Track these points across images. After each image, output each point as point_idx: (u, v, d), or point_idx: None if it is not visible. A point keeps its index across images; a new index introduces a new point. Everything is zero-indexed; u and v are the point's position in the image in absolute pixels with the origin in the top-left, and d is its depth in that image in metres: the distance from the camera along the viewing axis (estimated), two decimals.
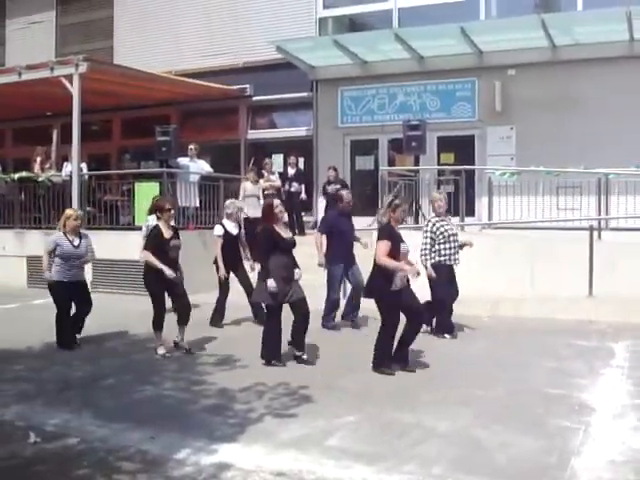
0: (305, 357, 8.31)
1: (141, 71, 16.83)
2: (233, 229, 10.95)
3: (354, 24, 18.28)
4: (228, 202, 11.58)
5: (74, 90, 15.10)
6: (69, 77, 15.12)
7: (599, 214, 12.95)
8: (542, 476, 4.97)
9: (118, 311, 12.07)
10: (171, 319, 9.19)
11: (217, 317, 10.85)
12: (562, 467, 5.08)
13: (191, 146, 15.72)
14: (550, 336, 9.78)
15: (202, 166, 15.85)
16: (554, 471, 5.03)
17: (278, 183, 16.05)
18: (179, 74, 18.59)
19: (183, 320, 9.02)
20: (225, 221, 11.01)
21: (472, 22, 15.38)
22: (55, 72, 15.31)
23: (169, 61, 19.38)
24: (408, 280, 7.76)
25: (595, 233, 12.08)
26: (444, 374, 7.79)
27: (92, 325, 9.61)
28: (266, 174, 15.92)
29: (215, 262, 10.88)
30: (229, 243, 10.81)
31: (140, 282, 13.89)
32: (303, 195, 16.46)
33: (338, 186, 15.03)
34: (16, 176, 16.56)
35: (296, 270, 8.32)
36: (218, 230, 10.91)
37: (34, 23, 22.00)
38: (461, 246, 9.80)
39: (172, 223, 9.20)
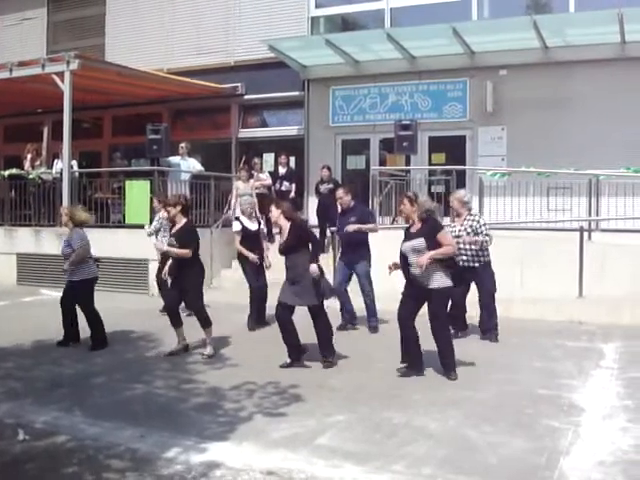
0: (325, 362, 8.23)
1: (132, 69, 16.78)
2: (251, 225, 10.95)
3: (346, 23, 18.27)
4: (243, 199, 11.63)
5: (65, 87, 15.07)
6: (60, 74, 15.09)
7: (589, 215, 13.00)
8: (531, 476, 4.99)
9: (109, 309, 12.00)
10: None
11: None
12: (551, 467, 5.10)
13: (182, 144, 15.73)
14: (540, 337, 9.81)
15: (193, 164, 15.85)
16: (543, 471, 5.05)
17: (269, 181, 16.04)
18: (171, 72, 18.54)
19: (200, 324, 8.93)
20: (242, 217, 11.04)
21: (464, 22, 15.35)
22: (46, 69, 15.27)
23: (161, 59, 19.32)
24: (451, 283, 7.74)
25: (585, 234, 12.12)
26: (434, 374, 7.80)
27: (81, 323, 9.55)
28: (256, 174, 15.91)
29: (239, 257, 10.94)
30: (248, 239, 10.80)
31: (130, 280, 14.01)
32: (292, 194, 16.41)
33: (331, 186, 15.02)
34: (6, 173, 16.54)
35: (312, 266, 8.11)
36: (236, 226, 10.92)
37: (25, 20, 21.88)
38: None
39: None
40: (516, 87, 15.50)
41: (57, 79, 15.11)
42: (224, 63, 18.70)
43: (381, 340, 9.75)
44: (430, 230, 7.61)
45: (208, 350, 8.75)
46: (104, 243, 12.46)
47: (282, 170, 16.50)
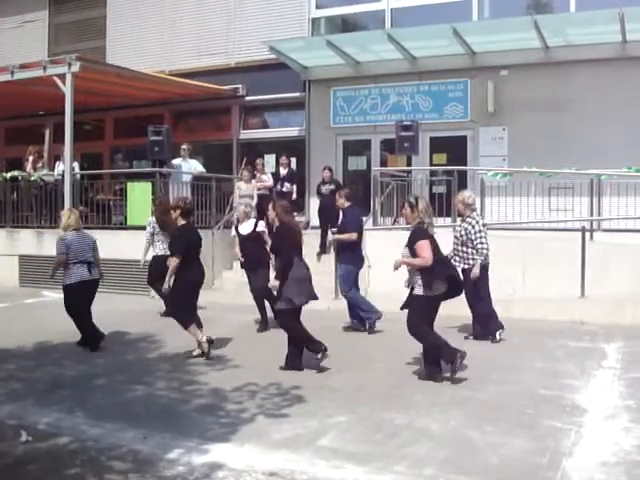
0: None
1: (134, 71, 16.80)
2: (242, 229, 11.06)
3: (347, 24, 18.27)
4: (240, 201, 11.89)
5: (67, 89, 15.09)
6: (62, 76, 15.11)
7: (591, 215, 12.99)
8: (533, 477, 4.98)
9: (109, 310, 12.03)
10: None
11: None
12: (554, 468, 5.09)
13: (183, 146, 15.72)
14: (542, 337, 9.80)
15: (194, 166, 15.85)
16: (545, 472, 5.04)
17: (270, 183, 16.05)
18: (172, 74, 18.58)
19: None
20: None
21: (465, 23, 15.37)
22: (48, 71, 15.29)
23: (162, 61, 19.35)
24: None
25: (587, 234, 12.11)
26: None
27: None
28: (258, 174, 15.93)
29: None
30: (241, 242, 10.97)
31: (131, 281, 14.00)
32: (294, 195, 16.40)
33: (332, 186, 15.02)
34: (8, 175, 16.56)
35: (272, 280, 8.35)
36: (232, 231, 11.48)
37: (27, 22, 21.92)
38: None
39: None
40: (517, 87, 15.50)
41: (58, 81, 15.12)
42: (225, 65, 18.73)
43: (382, 340, 9.76)
44: (411, 240, 7.62)
45: (196, 351, 8.78)
46: (106, 244, 12.44)
47: (283, 171, 16.51)
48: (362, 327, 10.47)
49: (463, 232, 9.61)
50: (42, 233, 15.48)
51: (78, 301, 9.34)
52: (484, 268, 9.71)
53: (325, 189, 15.35)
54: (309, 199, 17.18)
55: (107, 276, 13.58)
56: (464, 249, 9.59)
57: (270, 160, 17.90)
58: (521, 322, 10.65)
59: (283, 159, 16.63)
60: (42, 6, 21.89)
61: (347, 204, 10.77)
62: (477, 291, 9.67)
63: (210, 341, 8.69)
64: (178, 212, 9.03)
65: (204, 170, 16.01)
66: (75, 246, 9.36)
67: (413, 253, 7.50)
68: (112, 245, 13.21)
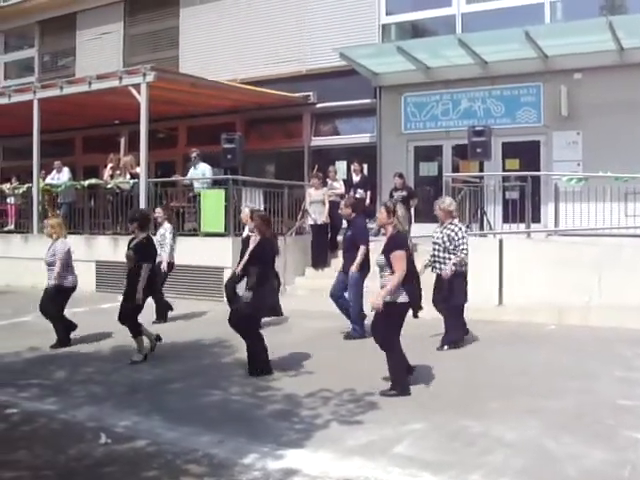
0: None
1: (206, 79, 17.07)
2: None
3: (417, 30, 18.20)
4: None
5: (142, 99, 15.44)
6: (137, 86, 15.48)
7: None
8: None
9: (185, 316, 12.26)
10: None
11: None
12: None
13: (193, 153, 15.91)
14: (619, 345, 9.58)
15: (204, 171, 15.85)
16: None
17: (342, 190, 16.09)
18: (243, 82, 18.79)
19: None
20: None
21: (537, 26, 15.14)
22: (124, 81, 15.70)
23: (233, 69, 19.60)
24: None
25: None
26: (511, 383, 7.70)
27: (159, 330, 9.72)
28: (330, 181, 15.98)
29: None
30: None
31: (205, 287, 14.18)
32: (367, 201, 16.38)
33: (404, 193, 15.00)
34: (86, 183, 17.03)
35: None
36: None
37: (103, 34, 22.52)
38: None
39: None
40: (591, 90, 15.20)
41: (134, 91, 15.49)
42: (296, 72, 18.87)
43: (456, 350, 9.63)
44: (387, 248, 7.39)
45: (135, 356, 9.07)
46: (179, 251, 12.64)
47: (356, 178, 16.53)
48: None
49: (445, 238, 9.59)
50: (117, 239, 15.79)
51: (63, 304, 10.13)
52: (462, 276, 9.65)
53: (397, 196, 15.28)
54: (381, 206, 17.12)
55: (180, 282, 13.87)
56: (445, 255, 9.55)
57: (341, 167, 17.94)
58: (598, 330, 10.45)
59: (355, 166, 16.65)
60: (118, 18, 22.45)
61: (353, 214, 10.75)
62: (452, 298, 9.57)
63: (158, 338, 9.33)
64: (135, 224, 9.38)
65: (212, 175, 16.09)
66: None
67: (389, 262, 7.26)
68: (185, 251, 13.40)
